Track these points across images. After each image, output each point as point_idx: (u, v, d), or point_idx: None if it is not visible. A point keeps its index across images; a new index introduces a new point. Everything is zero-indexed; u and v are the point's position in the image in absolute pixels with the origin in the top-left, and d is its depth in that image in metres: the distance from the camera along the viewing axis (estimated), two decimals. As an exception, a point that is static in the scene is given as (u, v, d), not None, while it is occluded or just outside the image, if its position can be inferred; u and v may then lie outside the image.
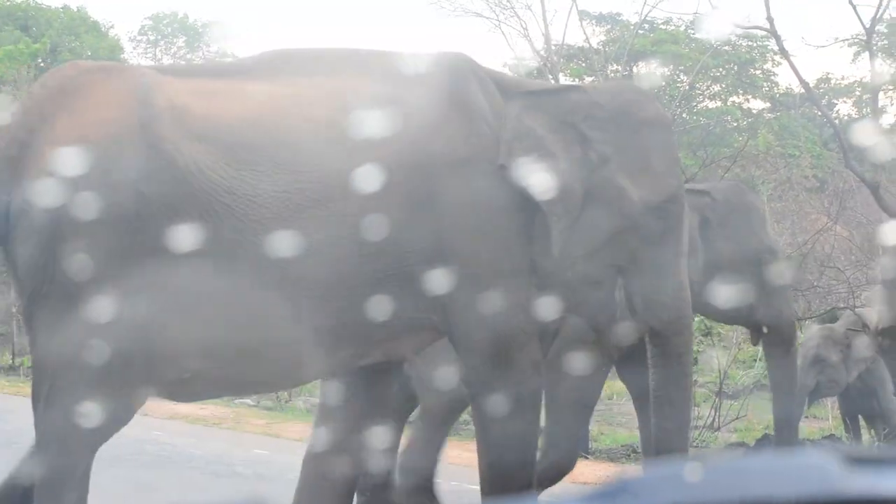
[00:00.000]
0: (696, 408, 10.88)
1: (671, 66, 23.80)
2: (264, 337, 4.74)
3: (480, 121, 5.11)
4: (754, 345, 8.18)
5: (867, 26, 11.57)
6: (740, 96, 27.37)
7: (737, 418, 12.58)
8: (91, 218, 4.45)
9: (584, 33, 19.60)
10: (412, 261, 4.86)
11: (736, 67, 26.48)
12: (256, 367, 4.90)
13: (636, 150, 5.41)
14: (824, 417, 14.27)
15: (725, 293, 6.95)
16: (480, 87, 5.18)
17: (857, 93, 25.08)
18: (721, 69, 26.20)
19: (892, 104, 19.80)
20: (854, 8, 11.44)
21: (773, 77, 26.86)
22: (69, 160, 4.46)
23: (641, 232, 5.38)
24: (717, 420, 12.30)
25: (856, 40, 14.38)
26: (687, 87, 22.57)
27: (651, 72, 21.70)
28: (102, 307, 4.42)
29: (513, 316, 5.04)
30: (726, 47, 24.75)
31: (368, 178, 4.70)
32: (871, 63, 12.44)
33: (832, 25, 37.06)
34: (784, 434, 7.99)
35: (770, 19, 11.55)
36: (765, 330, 7.70)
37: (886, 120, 19.42)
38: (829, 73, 26.44)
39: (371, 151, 4.77)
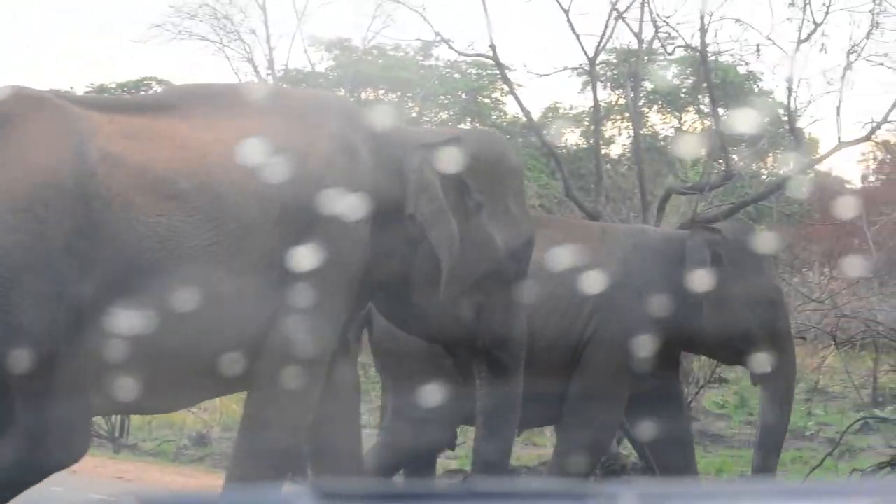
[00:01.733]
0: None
1: (399, 93, 23.70)
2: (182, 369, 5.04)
3: (365, 169, 5.41)
4: (754, 384, 7.95)
5: (590, 56, 11.74)
6: (468, 124, 27.50)
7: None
8: (20, 267, 4.65)
9: (308, 58, 19.27)
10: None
11: (464, 95, 26.61)
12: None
13: (501, 197, 5.86)
14: (543, 444, 14.20)
15: (735, 333, 7.10)
16: (363, 135, 5.49)
17: (586, 122, 25.59)
18: (450, 96, 26.26)
19: (619, 134, 20.20)
20: (578, 38, 11.57)
21: (501, 105, 27.12)
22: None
23: (501, 274, 5.79)
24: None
25: (580, 70, 14.54)
26: (415, 115, 22.48)
27: (378, 98, 21.55)
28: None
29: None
30: (456, 75, 24.80)
31: (279, 233, 5.06)
32: (594, 93, 12.67)
33: (560, 55, 37.77)
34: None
35: (493, 47, 11.53)
36: (769, 369, 7.53)
37: (614, 150, 19.75)
38: (557, 103, 26.89)
39: (280, 205, 5.10)
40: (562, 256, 6.74)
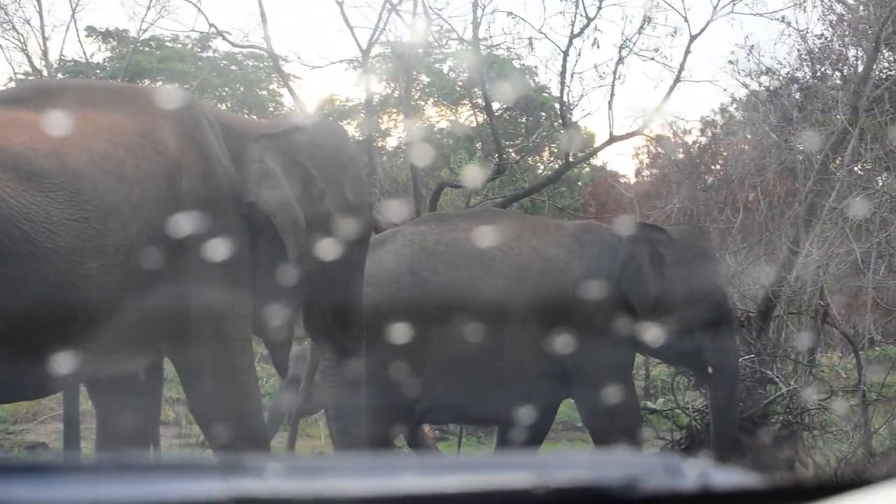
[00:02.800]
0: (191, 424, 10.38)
1: (177, 84, 23.22)
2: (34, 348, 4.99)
3: (216, 161, 5.61)
4: (697, 388, 7.71)
5: (363, 48, 11.70)
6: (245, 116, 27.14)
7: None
8: None
9: (83, 49, 18.65)
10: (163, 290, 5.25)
11: (241, 87, 26.25)
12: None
13: (342, 186, 6.09)
14: (317, 436, 14.06)
15: (675, 332, 7.03)
16: (211, 127, 5.68)
17: (362, 115, 25.52)
18: (227, 88, 25.85)
19: (395, 126, 20.21)
20: (351, 30, 11.53)
21: (278, 98, 26.86)
22: None
23: (342, 260, 5.93)
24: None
25: (355, 62, 14.47)
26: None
27: (155, 89, 21.02)
28: None
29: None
30: (233, 67, 24.43)
31: (134, 213, 5.16)
32: (367, 86, 12.66)
33: (336, 47, 37.65)
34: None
35: (267, 39, 11.40)
36: (710, 370, 7.35)
37: (391, 143, 19.75)
38: (333, 95, 26.77)
39: (136, 187, 5.21)
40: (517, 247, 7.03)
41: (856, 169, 10.68)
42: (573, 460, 1.83)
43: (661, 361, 11.20)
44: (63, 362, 4.97)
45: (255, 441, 5.70)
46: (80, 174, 5.07)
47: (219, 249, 5.28)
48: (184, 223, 5.22)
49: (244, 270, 5.61)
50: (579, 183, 15.87)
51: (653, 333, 6.91)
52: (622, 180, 15.38)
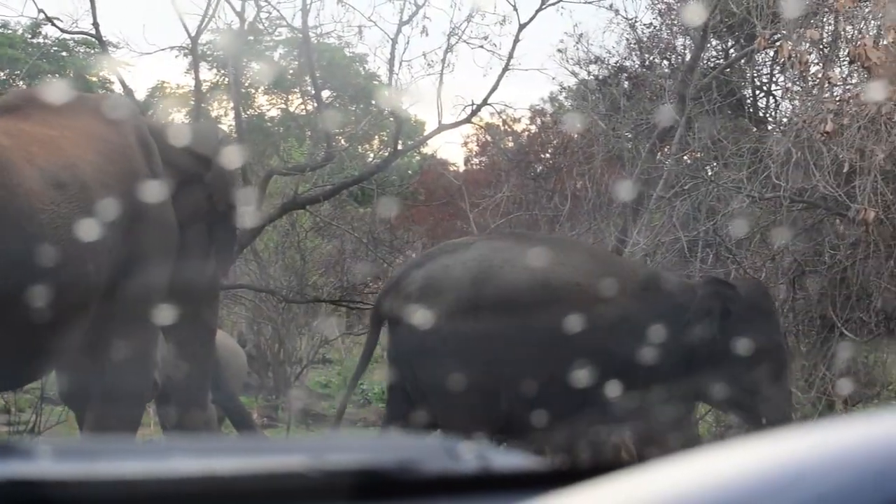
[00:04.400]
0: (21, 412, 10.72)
1: (7, 71, 22.55)
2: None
3: (156, 164, 6.23)
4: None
5: (192, 35, 11.46)
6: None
7: (58, 423, 11.74)
8: None
9: None
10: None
11: (72, 74, 25.57)
12: None
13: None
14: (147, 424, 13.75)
15: (736, 386, 7.00)
16: (150, 133, 6.33)
17: (192, 102, 25.05)
18: (58, 75, 25.16)
19: (226, 114, 19.91)
20: (180, 17, 11.30)
21: (109, 84, 26.24)
22: None
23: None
24: (38, 424, 11.35)
25: (184, 49, 14.14)
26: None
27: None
28: None
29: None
30: (64, 53, 23.79)
31: (118, 216, 5.83)
32: (196, 73, 12.44)
33: (167, 33, 36.93)
34: None
35: (96, 25, 11.05)
36: (764, 422, 7.13)
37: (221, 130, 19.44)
38: (164, 82, 26.23)
39: (116, 192, 5.86)
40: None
41: (684, 158, 10.77)
42: (350, 444, 1.80)
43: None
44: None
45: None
46: (88, 185, 5.76)
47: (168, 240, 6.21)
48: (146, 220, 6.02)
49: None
50: (409, 171, 15.80)
51: (714, 387, 6.93)
52: (452, 168, 15.31)
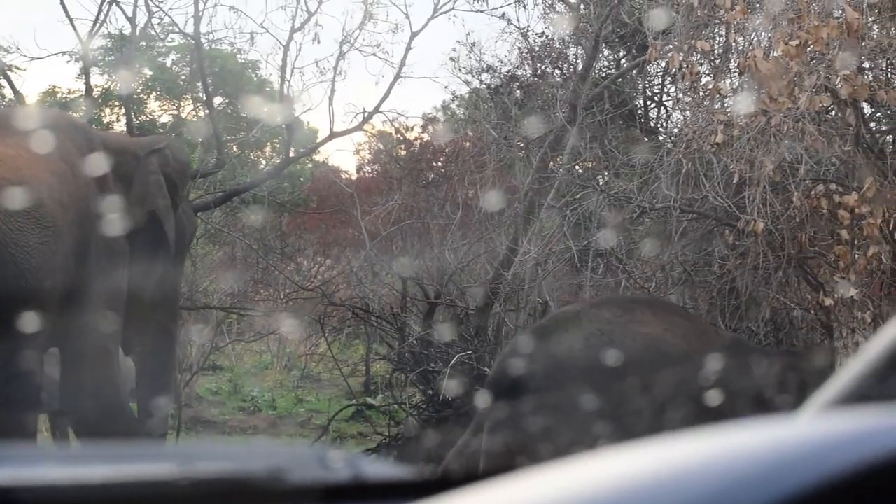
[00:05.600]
0: None
1: None
2: None
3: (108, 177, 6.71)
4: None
5: (83, 40, 11.39)
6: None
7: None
8: None
9: None
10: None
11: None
12: None
13: (186, 195, 7.85)
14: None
15: None
16: (99, 143, 6.91)
17: (84, 107, 24.62)
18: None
19: (117, 120, 19.64)
20: (71, 21, 11.22)
21: (1, 88, 25.64)
22: None
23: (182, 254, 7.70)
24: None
25: (75, 54, 13.90)
26: None
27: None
28: None
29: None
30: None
31: (70, 231, 6.39)
32: (87, 78, 12.34)
33: (59, 38, 36.49)
34: None
35: None
36: None
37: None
38: (55, 87, 25.74)
39: (68, 208, 6.36)
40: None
41: (575, 167, 10.77)
42: (220, 451, 1.84)
43: (383, 357, 11.06)
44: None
45: None
46: (42, 203, 6.13)
47: (115, 251, 6.63)
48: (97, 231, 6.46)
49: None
50: (301, 178, 15.65)
51: None
52: (344, 176, 15.19)
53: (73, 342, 6.58)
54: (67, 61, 15.78)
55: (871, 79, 7.46)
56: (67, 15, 11.19)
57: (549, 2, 11.54)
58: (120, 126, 20.22)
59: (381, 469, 1.69)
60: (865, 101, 7.49)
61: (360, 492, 1.52)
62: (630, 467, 1.00)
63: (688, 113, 9.33)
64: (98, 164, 6.64)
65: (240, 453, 1.83)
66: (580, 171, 10.78)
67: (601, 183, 10.34)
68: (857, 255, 7.09)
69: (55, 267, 6.19)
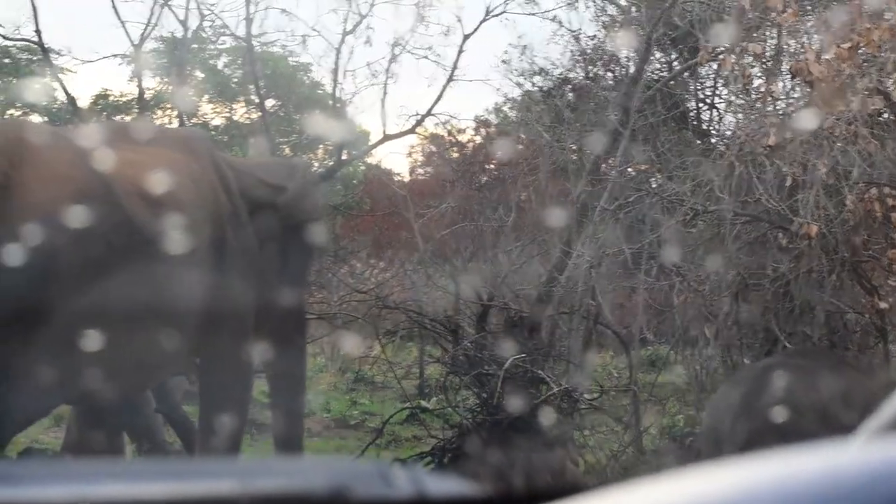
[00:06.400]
0: None
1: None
2: None
3: (234, 194, 6.85)
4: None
5: (136, 43, 11.45)
6: (19, 109, 26.08)
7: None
8: None
9: None
10: None
11: (14, 80, 25.24)
12: None
13: None
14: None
15: None
16: (225, 165, 7.02)
17: (136, 110, 24.86)
18: (1, 81, 24.85)
19: (169, 122, 19.80)
20: (123, 24, 11.30)
21: (53, 92, 25.93)
22: None
23: None
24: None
25: (128, 57, 14.05)
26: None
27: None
28: None
29: None
30: (6, 59, 23.53)
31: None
32: (140, 81, 12.49)
33: (109, 42, 36.75)
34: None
35: (38, 31, 11.02)
36: None
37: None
38: (107, 90, 26.00)
39: (204, 218, 6.57)
40: None
41: (628, 170, 10.76)
42: (281, 467, 1.75)
43: (437, 360, 11.10)
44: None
45: None
46: (184, 210, 6.25)
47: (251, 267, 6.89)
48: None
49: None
50: (354, 181, 15.73)
51: None
52: (397, 178, 15.26)
53: (214, 369, 6.84)
54: (119, 64, 15.95)
55: (925, 81, 7.41)
56: (119, 18, 11.35)
57: (601, 4, 11.54)
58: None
59: (445, 485, 1.64)
60: (919, 103, 7.44)
61: None
62: (691, 491, 1.02)
63: (740, 115, 9.30)
64: (232, 184, 6.87)
65: (301, 469, 1.80)
66: (633, 173, 10.77)
67: (654, 186, 10.34)
68: (911, 259, 7.05)
69: (194, 271, 6.32)
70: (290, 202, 7.25)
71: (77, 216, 5.69)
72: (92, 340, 5.57)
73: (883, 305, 7.25)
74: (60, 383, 5.80)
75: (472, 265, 11.12)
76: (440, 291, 11.83)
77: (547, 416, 8.72)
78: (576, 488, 1.38)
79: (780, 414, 5.96)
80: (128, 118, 27.49)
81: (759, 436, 6.21)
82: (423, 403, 11.29)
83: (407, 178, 15.98)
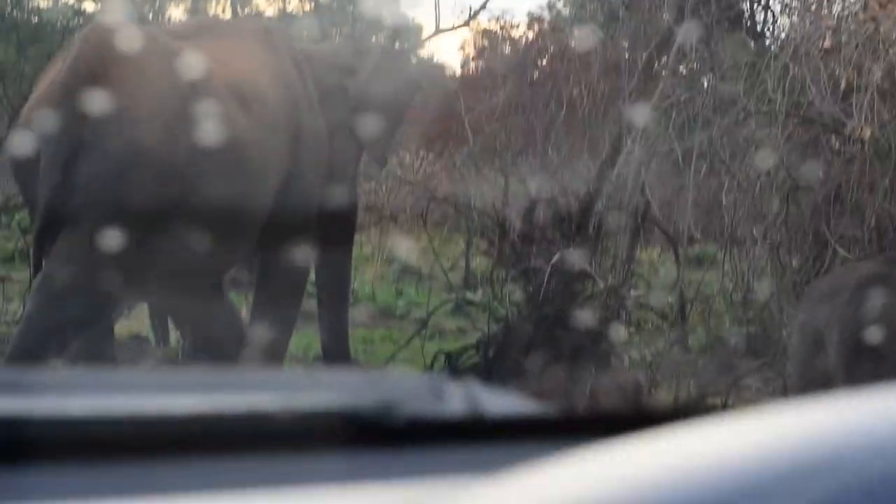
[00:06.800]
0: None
1: None
2: None
3: (309, 85, 6.86)
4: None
5: None
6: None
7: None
8: None
9: None
10: None
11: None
12: None
13: None
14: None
15: None
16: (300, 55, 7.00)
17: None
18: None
19: (223, 11, 19.72)
20: None
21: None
22: None
23: None
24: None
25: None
26: None
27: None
28: None
29: None
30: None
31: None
32: None
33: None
34: None
35: None
36: None
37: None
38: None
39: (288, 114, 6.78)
40: None
41: (681, 69, 10.70)
42: (326, 380, 1.67)
43: (483, 253, 11.16)
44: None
45: None
46: (265, 103, 6.37)
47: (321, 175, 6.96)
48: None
49: None
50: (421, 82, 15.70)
51: None
52: (448, 72, 15.22)
53: (277, 263, 6.80)
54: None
55: None
56: None
57: None
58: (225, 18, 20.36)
59: (502, 402, 1.53)
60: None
61: (479, 428, 1.37)
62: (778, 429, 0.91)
63: (795, 17, 9.23)
64: (307, 74, 6.88)
65: (347, 383, 1.64)
66: (685, 73, 10.71)
67: (706, 85, 10.27)
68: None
69: (272, 166, 6.40)
70: (361, 85, 7.21)
71: (167, 114, 5.85)
72: (177, 235, 5.83)
73: (933, 211, 7.25)
74: (143, 275, 6.05)
75: (522, 160, 11.14)
76: (488, 184, 11.87)
77: (594, 316, 8.81)
78: (647, 414, 1.33)
79: (880, 331, 5.73)
80: (179, 9, 27.44)
81: (861, 354, 5.98)
82: (469, 296, 11.38)
83: (458, 73, 15.94)
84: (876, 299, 5.76)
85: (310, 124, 6.78)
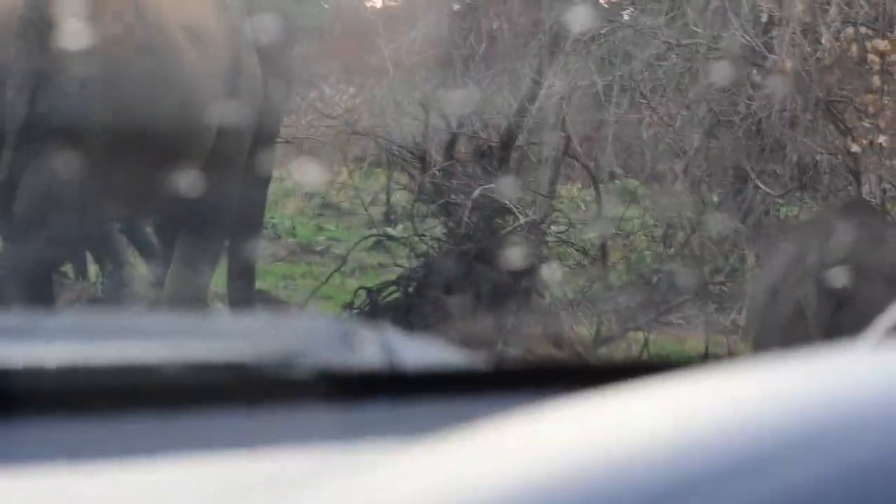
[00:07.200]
0: None
1: None
2: None
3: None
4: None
5: None
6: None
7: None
8: None
9: None
10: None
11: None
12: None
13: None
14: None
15: None
16: None
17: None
18: None
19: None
20: None
21: None
22: None
23: None
24: None
25: None
26: None
27: None
28: None
29: None
30: None
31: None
32: None
33: None
34: None
35: None
36: None
37: None
38: None
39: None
40: None
41: (601, 1, 10.62)
42: (222, 327, 1.51)
43: (404, 187, 11.05)
44: None
45: None
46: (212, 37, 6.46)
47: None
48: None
49: None
50: (324, 4, 15.46)
51: None
52: (368, 4, 14.98)
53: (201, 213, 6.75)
54: None
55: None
56: None
57: None
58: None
59: (424, 352, 1.37)
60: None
61: (396, 382, 1.18)
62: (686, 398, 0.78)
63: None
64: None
65: (245, 330, 1.48)
66: (606, 5, 10.63)
67: (626, 18, 10.20)
68: (886, 101, 7.03)
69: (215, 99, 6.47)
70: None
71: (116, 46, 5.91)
72: (123, 164, 5.94)
73: (855, 148, 7.25)
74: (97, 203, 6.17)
75: (442, 93, 11.00)
76: (408, 118, 11.72)
77: (515, 251, 8.75)
78: (575, 367, 1.22)
79: (843, 275, 5.61)
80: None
81: (819, 299, 5.85)
82: (390, 231, 11.30)
83: (378, 4, 15.71)
84: (839, 246, 5.64)
85: (247, 58, 6.85)
